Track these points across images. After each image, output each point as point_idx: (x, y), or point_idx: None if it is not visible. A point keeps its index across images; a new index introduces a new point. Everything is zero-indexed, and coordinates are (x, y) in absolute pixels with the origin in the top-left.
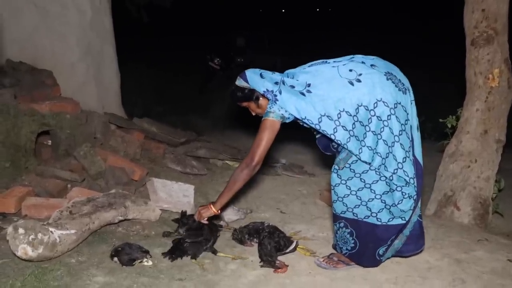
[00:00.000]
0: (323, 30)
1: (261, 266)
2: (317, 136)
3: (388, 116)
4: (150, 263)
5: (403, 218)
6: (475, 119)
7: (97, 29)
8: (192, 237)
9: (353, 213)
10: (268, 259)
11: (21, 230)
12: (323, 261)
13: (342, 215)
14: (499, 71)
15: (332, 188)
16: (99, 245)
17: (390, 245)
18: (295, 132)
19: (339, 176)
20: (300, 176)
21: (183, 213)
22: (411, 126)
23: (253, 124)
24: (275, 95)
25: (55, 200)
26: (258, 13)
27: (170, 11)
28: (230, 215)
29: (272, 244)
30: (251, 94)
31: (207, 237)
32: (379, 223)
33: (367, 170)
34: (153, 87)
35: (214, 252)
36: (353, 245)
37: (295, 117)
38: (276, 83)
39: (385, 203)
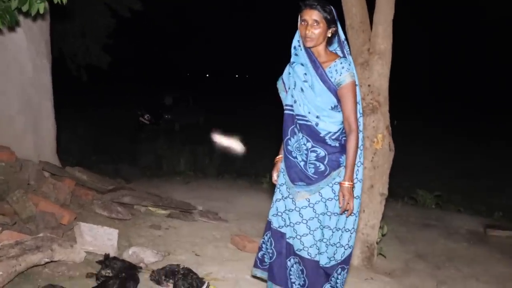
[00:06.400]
0: (241, 94)
1: None
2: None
3: None
4: None
5: None
6: (363, 176)
7: (36, 85)
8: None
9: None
10: None
11: None
12: None
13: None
14: (382, 136)
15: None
16: (24, 286)
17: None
18: (214, 181)
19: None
20: (214, 222)
21: (106, 256)
22: None
23: (177, 172)
24: (348, 52)
25: None
26: (185, 76)
27: (107, 71)
28: (149, 257)
29: (185, 286)
30: (335, 24)
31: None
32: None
33: None
34: (90, 139)
35: None
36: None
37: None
38: None
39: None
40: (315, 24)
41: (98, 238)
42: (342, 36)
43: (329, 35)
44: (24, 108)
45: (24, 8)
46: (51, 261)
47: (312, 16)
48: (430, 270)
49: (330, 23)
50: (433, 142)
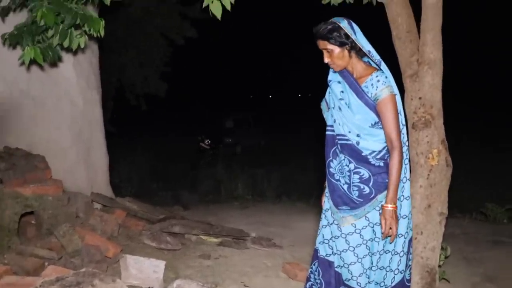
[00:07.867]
0: (304, 113)
1: None
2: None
3: None
4: None
5: None
6: (419, 195)
7: (87, 118)
8: None
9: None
10: None
11: None
12: None
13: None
14: (437, 151)
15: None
16: None
17: None
18: (271, 205)
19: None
20: (267, 249)
21: None
22: None
23: (235, 197)
24: (380, 62)
25: (30, 279)
26: (248, 99)
27: (165, 99)
28: None
29: None
30: (349, 42)
31: None
32: None
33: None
34: (150, 167)
35: None
36: None
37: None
38: None
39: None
40: (328, 52)
41: (144, 271)
42: (366, 47)
43: (346, 51)
44: (76, 140)
45: (65, 44)
46: None
47: (321, 46)
48: None
49: (339, 43)
50: (493, 148)
